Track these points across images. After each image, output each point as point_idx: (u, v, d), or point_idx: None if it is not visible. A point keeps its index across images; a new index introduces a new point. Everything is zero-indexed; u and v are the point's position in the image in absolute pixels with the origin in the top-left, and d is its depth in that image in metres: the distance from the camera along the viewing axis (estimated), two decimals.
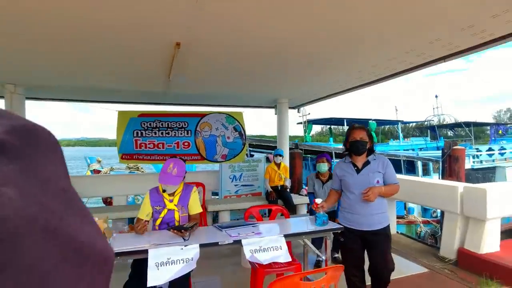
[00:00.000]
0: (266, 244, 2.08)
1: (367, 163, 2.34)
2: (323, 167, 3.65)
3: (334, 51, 3.15)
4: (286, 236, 2.20)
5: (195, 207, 2.54)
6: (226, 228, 2.35)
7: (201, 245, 2.01)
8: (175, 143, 5.17)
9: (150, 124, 5.06)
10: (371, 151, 2.39)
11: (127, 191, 5.39)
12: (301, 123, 14.83)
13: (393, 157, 11.51)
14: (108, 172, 8.21)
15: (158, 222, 2.51)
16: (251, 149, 9.11)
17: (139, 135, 4.99)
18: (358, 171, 2.33)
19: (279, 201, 5.07)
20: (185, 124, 5.25)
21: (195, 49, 3.00)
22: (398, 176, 4.35)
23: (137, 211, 4.24)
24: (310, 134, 15.10)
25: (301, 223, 2.64)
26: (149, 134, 5.04)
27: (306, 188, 4.03)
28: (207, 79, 4.31)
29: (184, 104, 5.78)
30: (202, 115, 5.40)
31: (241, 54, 3.19)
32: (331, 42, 2.86)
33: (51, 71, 3.88)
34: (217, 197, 5.69)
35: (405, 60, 3.39)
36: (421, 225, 9.27)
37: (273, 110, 6.20)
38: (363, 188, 2.24)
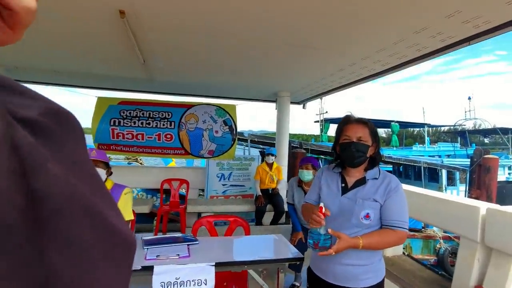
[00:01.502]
0: (187, 275, 1.51)
1: (361, 182, 1.47)
2: (307, 175, 2.93)
3: (330, 31, 2.51)
4: (222, 264, 1.62)
5: (124, 212, 2.02)
6: (151, 245, 1.81)
7: None
8: (156, 135, 4.69)
9: (130, 113, 4.62)
10: (374, 162, 1.51)
11: (127, 183, 4.96)
12: (318, 121, 14.02)
13: (411, 163, 10.43)
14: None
15: None
16: (252, 145, 8.52)
17: (117, 124, 4.56)
18: (344, 190, 1.48)
19: (268, 206, 4.49)
20: (168, 115, 4.76)
21: (146, 21, 2.49)
22: (409, 187, 3.62)
23: (138, 206, 3.88)
24: (328, 134, 14.22)
25: (265, 244, 2.05)
26: (127, 124, 4.60)
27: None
28: (188, 64, 3.80)
29: (173, 94, 5.31)
30: (189, 105, 4.89)
31: (215, 32, 2.64)
32: (326, 20, 2.24)
33: (22, 51, 3.55)
34: (202, 196, 5.19)
35: (416, 44, 2.66)
36: (441, 241, 8.26)
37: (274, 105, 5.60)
38: (342, 219, 1.43)
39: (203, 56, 3.46)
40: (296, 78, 4.34)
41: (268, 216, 4.63)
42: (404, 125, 16.33)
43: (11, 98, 0.22)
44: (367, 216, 1.41)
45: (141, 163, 8.28)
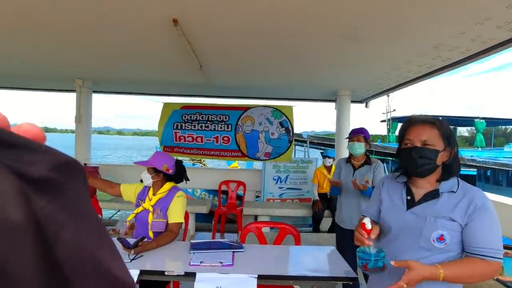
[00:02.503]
0: (227, 285, 1.46)
1: (433, 195, 1.19)
2: (358, 147, 2.47)
3: (394, 18, 2.23)
4: (265, 277, 1.53)
5: (174, 215, 2.10)
6: (197, 250, 1.82)
7: (143, 272, 1.54)
8: (214, 138, 4.85)
9: (190, 117, 4.87)
10: (450, 170, 1.21)
11: (188, 185, 5.25)
12: (384, 121, 12.91)
13: (502, 167, 8.73)
14: None
15: (130, 217, 2.20)
16: (312, 147, 8.20)
17: (179, 127, 4.85)
18: (410, 203, 1.23)
19: (326, 212, 4.25)
20: (225, 118, 4.88)
21: (199, 27, 2.54)
22: (499, 197, 2.99)
23: (198, 206, 4.12)
24: (396, 134, 12.97)
25: (316, 257, 1.90)
26: (188, 127, 4.85)
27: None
28: (243, 67, 3.83)
29: (230, 97, 5.43)
30: (245, 108, 4.93)
31: (269, 35, 2.58)
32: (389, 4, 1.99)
33: (109, 66, 4.04)
34: (259, 199, 5.17)
35: (508, 22, 2.17)
36: None
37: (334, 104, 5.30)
38: (407, 239, 1.19)
39: (258, 58, 3.43)
40: (357, 74, 4.01)
41: (326, 222, 4.39)
42: (492, 122, 13.91)
43: (16, 155, 0.22)
44: (440, 239, 1.14)
45: (204, 165, 8.71)
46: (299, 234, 2.16)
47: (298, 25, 2.38)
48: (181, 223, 2.12)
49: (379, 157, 8.92)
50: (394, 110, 12.61)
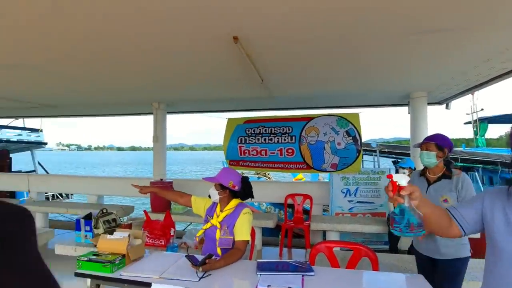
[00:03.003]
0: None
1: None
2: (426, 157, 2.10)
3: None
4: None
5: (240, 233, 2.08)
6: (265, 271, 1.75)
7: None
8: (278, 150, 4.81)
9: (254, 130, 4.94)
10: None
11: (254, 198, 5.32)
12: (469, 122, 11.22)
13: None
14: None
15: (199, 233, 2.26)
16: (383, 156, 7.51)
17: (243, 141, 4.95)
18: None
19: None
20: (289, 129, 4.81)
21: (258, 42, 2.56)
22: None
23: (264, 221, 4.15)
24: (485, 137, 11.08)
25: (395, 285, 1.67)
26: (252, 141, 4.92)
27: None
28: (305, 77, 3.75)
29: (292, 108, 5.35)
30: (309, 118, 4.79)
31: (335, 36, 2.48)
32: None
33: (178, 88, 4.40)
34: (327, 213, 4.91)
35: None
36: None
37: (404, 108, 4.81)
38: None
39: (320, 66, 3.31)
40: (433, 73, 3.56)
41: (406, 240, 3.91)
42: None
43: None
44: None
45: (269, 178, 8.74)
46: (377, 258, 1.93)
47: (360, 25, 2.20)
48: (248, 241, 2.09)
49: (465, 164, 7.69)
50: (482, 109, 10.86)
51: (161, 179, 5.21)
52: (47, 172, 14.69)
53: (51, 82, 4.15)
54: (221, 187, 2.17)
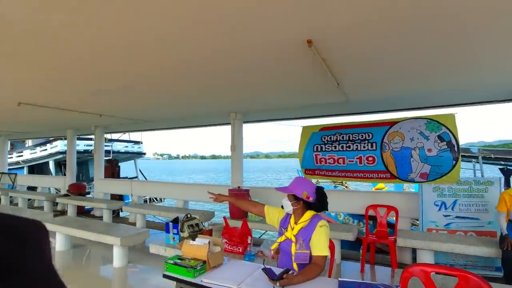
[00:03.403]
0: None
1: None
2: None
3: None
4: None
5: (318, 247, 1.97)
6: None
7: None
8: (357, 158, 4.49)
9: (330, 138, 4.73)
10: None
11: (330, 208, 5.03)
12: None
13: None
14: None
15: (274, 246, 2.20)
16: (487, 162, 6.23)
17: (319, 149, 4.78)
18: None
19: None
20: (369, 136, 4.44)
21: (335, 44, 2.45)
22: None
23: (343, 233, 3.97)
24: None
25: None
26: (329, 149, 4.71)
27: None
28: (388, 76, 3.44)
29: (372, 112, 4.95)
30: (392, 123, 4.34)
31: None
32: None
33: (254, 98, 4.59)
34: (416, 228, 4.32)
35: None
36: None
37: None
38: None
39: (406, 64, 2.99)
40: None
41: None
42: None
43: None
44: None
45: (346, 187, 8.27)
46: (491, 286, 1.58)
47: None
48: (327, 256, 1.97)
49: None
50: None
51: (239, 187, 5.42)
52: (146, 179, 16.95)
53: (148, 101, 4.78)
54: (295, 198, 2.09)
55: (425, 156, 4.05)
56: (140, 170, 17.43)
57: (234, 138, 6.03)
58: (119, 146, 17.33)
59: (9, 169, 12.02)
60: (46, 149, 15.59)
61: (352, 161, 4.52)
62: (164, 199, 12.84)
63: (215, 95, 4.32)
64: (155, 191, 7.78)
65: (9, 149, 12.84)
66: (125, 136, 17.16)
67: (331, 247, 2.26)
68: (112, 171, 9.42)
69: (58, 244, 4.77)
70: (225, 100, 4.69)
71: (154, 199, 13.19)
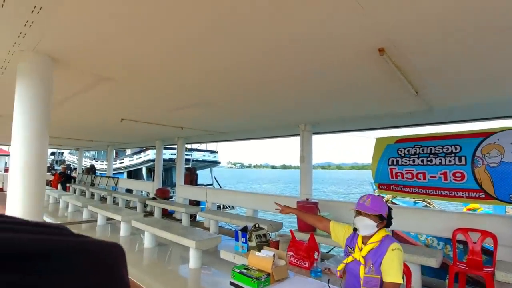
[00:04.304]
0: None
1: None
2: None
3: None
4: None
5: (390, 273, 1.82)
6: None
7: None
8: (441, 174, 3.97)
9: (408, 151, 4.31)
10: None
11: (403, 227, 4.53)
12: None
13: None
14: (389, 199, 7.85)
15: (340, 267, 2.08)
16: None
17: (395, 163, 4.39)
18: None
19: None
20: (455, 148, 3.90)
21: (410, 51, 2.29)
22: None
23: (424, 258, 3.61)
24: None
25: None
26: (406, 162, 4.29)
27: None
28: (478, 81, 3.03)
29: (458, 122, 4.34)
30: (486, 134, 3.74)
31: None
32: None
33: (324, 109, 4.56)
34: None
35: None
36: None
37: None
38: None
39: (504, 62, 2.59)
40: None
41: None
42: None
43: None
44: None
45: (429, 204, 7.35)
46: None
47: None
48: (400, 284, 1.81)
49: None
50: None
51: (307, 199, 5.35)
52: (220, 186, 18.05)
53: (223, 115, 5.18)
54: (380, 218, 1.95)
55: None
56: (215, 178, 18.67)
57: (303, 150, 6.01)
58: (197, 155, 18.94)
59: (113, 173, 14.29)
60: (140, 157, 18.05)
61: (435, 176, 4.03)
62: (235, 206, 13.45)
63: (285, 107, 4.42)
64: (228, 199, 8.23)
65: (114, 157, 15.27)
66: (202, 146, 18.69)
67: (407, 273, 2.07)
68: (191, 178, 10.33)
69: (146, 241, 5.44)
70: (295, 112, 4.75)
71: (227, 206, 13.92)
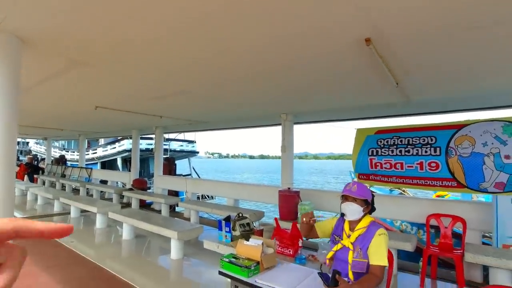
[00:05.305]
0: None
1: None
2: None
3: None
4: None
5: (376, 256, 1.89)
6: None
7: None
8: (417, 164, 4.15)
9: (387, 142, 4.46)
10: None
11: (386, 214, 4.71)
12: None
13: None
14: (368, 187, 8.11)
15: (329, 255, 2.14)
16: None
17: (374, 153, 4.53)
18: None
19: None
20: (431, 140, 4.09)
21: (395, 42, 2.33)
22: None
23: (400, 242, 3.75)
24: None
25: None
26: (385, 153, 4.44)
27: None
28: (455, 74, 3.15)
29: (434, 113, 4.55)
30: (459, 126, 3.94)
31: None
32: None
33: (305, 99, 4.56)
34: (489, 243, 3.84)
35: None
36: None
37: None
38: None
39: (480, 59, 2.70)
40: None
41: None
42: None
43: None
44: None
45: (403, 192, 7.70)
46: None
47: None
48: (385, 266, 1.88)
49: None
50: None
51: (289, 188, 5.42)
52: (199, 176, 17.86)
53: (204, 104, 5.05)
54: (365, 203, 2.03)
55: (502, 164, 3.60)
56: (193, 168, 18.43)
57: (285, 139, 6.05)
58: (175, 145, 18.54)
59: (86, 164, 13.68)
60: (115, 147, 17.38)
61: (412, 166, 4.21)
62: (214, 196, 13.39)
63: (268, 97, 4.39)
64: (208, 189, 8.16)
65: (86, 147, 14.60)
66: (180, 136, 18.30)
67: (390, 257, 2.15)
68: (170, 168, 10.12)
69: (124, 233, 5.29)
70: (277, 101, 4.74)
71: (206, 196, 13.83)
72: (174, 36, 2.27)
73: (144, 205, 8.68)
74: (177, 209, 8.47)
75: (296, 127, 6.37)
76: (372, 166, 4.57)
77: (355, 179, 9.79)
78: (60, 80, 3.65)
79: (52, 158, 15.66)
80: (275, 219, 3.51)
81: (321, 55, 2.66)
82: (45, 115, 6.99)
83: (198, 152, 20.41)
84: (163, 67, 3.07)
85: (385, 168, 4.44)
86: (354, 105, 4.78)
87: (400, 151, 4.32)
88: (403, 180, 4.31)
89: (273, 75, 3.30)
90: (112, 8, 1.87)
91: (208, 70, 3.14)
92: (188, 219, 6.77)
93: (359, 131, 4.85)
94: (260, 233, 3.61)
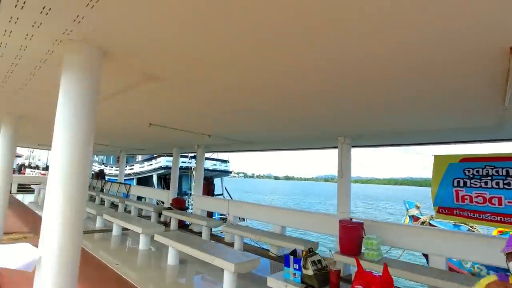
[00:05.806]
0: None
1: None
2: None
3: None
4: None
5: None
6: None
7: None
8: None
9: (477, 171, 3.83)
10: None
11: (445, 252, 4.20)
12: None
13: None
14: (427, 221, 7.29)
15: None
16: None
17: (461, 184, 3.91)
18: None
19: None
20: None
21: None
22: None
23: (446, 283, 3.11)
24: None
25: None
26: (476, 184, 3.80)
27: None
28: None
29: None
30: None
31: None
32: None
33: (369, 120, 4.13)
34: None
35: None
36: None
37: None
38: None
39: None
40: None
41: None
42: None
43: None
44: None
45: (471, 227, 6.79)
46: None
47: None
48: None
49: None
50: None
51: (351, 219, 4.86)
52: (231, 197, 17.52)
53: (261, 123, 4.75)
54: None
55: None
56: (225, 188, 18.17)
57: (342, 164, 5.55)
58: (208, 164, 18.51)
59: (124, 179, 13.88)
60: (151, 164, 17.65)
61: None
62: (246, 219, 12.88)
63: (329, 117, 3.99)
64: (252, 213, 7.68)
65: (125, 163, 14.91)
66: (214, 155, 18.26)
67: None
68: (208, 188, 9.89)
69: (170, 258, 4.95)
70: (337, 122, 4.32)
71: (238, 218, 13.35)
72: (243, 55, 2.04)
73: (182, 226, 8.39)
74: (213, 230, 8.09)
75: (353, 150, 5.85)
76: (459, 200, 3.93)
77: (413, 209, 8.86)
78: (125, 95, 3.52)
79: (92, 172, 16.13)
80: (356, 259, 3.00)
81: (438, 66, 2.25)
82: (97, 129, 7.07)
83: (231, 172, 20.24)
84: (233, 83, 2.83)
85: (476, 202, 3.78)
86: (431, 127, 4.22)
87: (497, 184, 3.66)
88: (501, 219, 3.62)
89: (343, 93, 2.92)
90: (194, 26, 1.68)
91: (280, 87, 2.84)
92: (230, 245, 6.33)
93: (438, 158, 4.26)
94: (337, 275, 3.10)
